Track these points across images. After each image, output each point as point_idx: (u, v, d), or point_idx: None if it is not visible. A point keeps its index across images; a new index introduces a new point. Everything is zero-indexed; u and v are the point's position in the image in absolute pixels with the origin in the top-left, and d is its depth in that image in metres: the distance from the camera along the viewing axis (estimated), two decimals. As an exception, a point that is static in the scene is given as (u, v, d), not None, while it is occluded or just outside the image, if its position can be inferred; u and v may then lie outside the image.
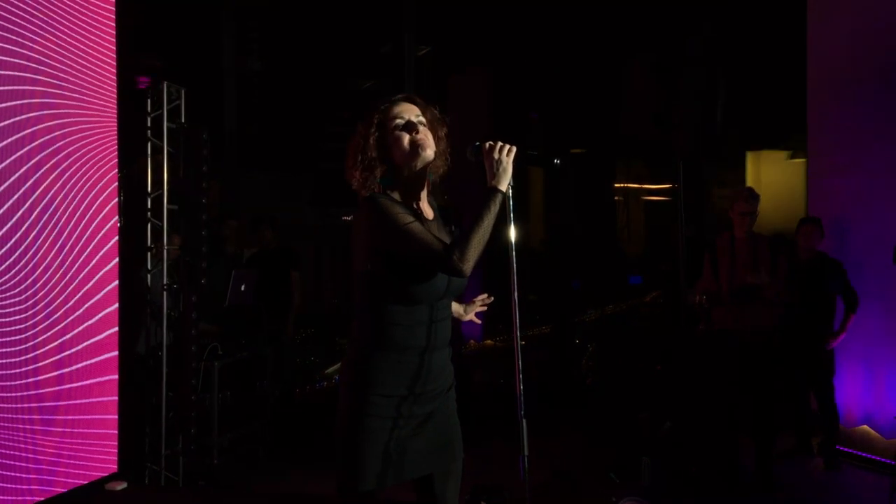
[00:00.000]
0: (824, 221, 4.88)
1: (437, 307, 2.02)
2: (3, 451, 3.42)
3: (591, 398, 6.67)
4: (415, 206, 2.07)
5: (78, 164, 3.98)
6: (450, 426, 2.13)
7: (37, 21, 3.67)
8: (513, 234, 1.96)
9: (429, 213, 2.12)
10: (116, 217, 4.19)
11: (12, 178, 3.54)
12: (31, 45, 3.64)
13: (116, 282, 4.28)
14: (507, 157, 1.95)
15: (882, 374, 4.86)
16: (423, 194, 2.12)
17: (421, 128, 2.04)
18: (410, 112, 2.05)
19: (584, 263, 8.63)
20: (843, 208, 5.08)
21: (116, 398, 4.18)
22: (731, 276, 4.35)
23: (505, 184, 1.95)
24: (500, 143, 1.97)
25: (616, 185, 10.69)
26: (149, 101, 4.62)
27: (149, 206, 4.64)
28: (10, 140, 3.53)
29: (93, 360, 4.03)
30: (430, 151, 2.04)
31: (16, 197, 3.58)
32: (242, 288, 5.17)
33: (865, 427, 4.96)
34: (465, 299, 2.39)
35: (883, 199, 4.82)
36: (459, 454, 2.15)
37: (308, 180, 10.05)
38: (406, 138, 2.02)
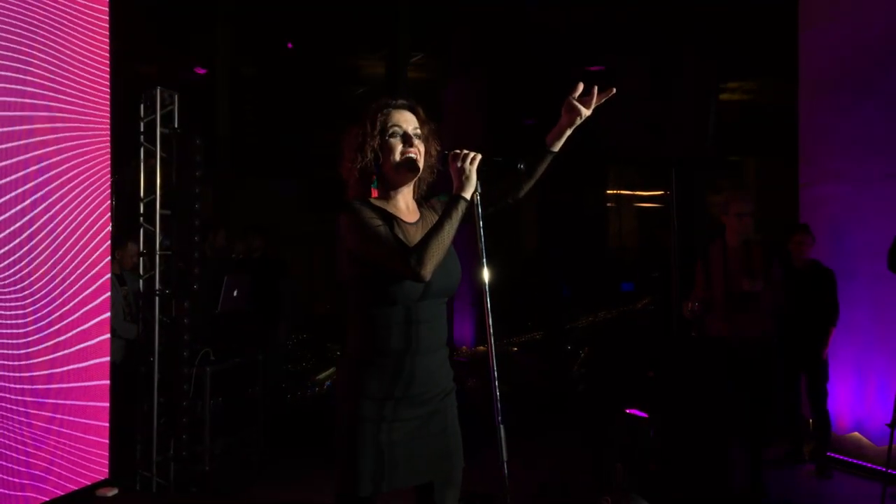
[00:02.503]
0: (815, 229, 4.89)
1: (418, 308, 2.02)
2: (-6, 457, 3.40)
3: (582, 404, 6.67)
4: (394, 210, 2.09)
5: (73, 167, 3.97)
6: (449, 434, 2.11)
7: (31, 26, 3.67)
8: (482, 242, 1.97)
9: (411, 217, 2.12)
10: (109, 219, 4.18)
11: (9, 181, 3.53)
12: (25, 48, 3.63)
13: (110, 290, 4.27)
14: (470, 165, 1.97)
15: (873, 381, 4.87)
16: (407, 199, 2.14)
17: (416, 141, 2.07)
18: (409, 123, 2.08)
19: (576, 270, 8.64)
20: (834, 216, 5.09)
21: (108, 404, 4.17)
22: (725, 284, 4.29)
23: (469, 192, 1.97)
24: (464, 152, 1.99)
25: (608, 191, 10.72)
26: (142, 106, 4.63)
27: (141, 211, 4.64)
28: (7, 145, 3.52)
29: (85, 364, 4.02)
30: (419, 167, 2.07)
31: (13, 207, 3.57)
32: (235, 294, 5.15)
33: (857, 434, 4.97)
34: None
35: (874, 207, 4.83)
36: (459, 463, 2.14)
37: (301, 186, 10.05)
38: (399, 149, 2.05)
